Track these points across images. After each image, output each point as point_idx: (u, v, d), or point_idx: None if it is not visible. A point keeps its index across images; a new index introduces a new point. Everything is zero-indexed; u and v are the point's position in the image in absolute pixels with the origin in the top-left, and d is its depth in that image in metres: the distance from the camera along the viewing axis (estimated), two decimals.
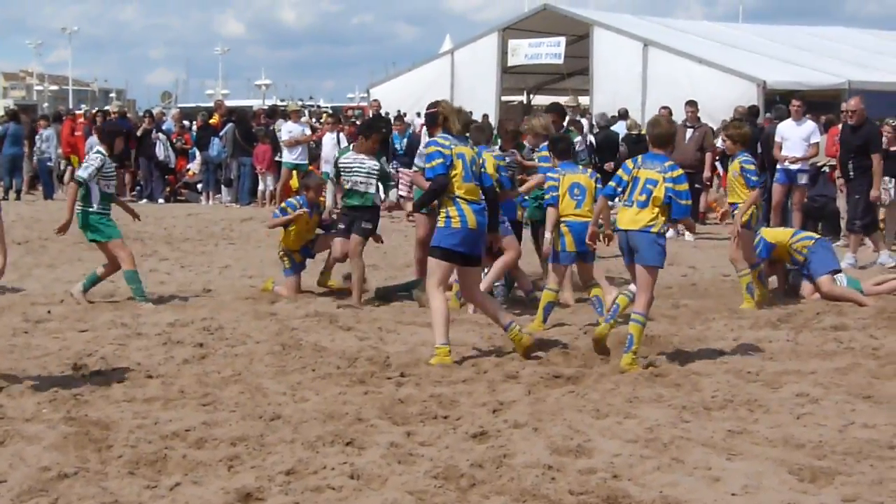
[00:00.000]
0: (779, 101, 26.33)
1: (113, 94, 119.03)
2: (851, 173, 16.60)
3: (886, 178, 16.88)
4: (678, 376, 9.33)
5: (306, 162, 25.90)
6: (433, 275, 9.94)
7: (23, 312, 11.98)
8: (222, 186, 28.38)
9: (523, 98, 43.74)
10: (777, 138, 19.28)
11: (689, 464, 6.90)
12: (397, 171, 21.94)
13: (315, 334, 10.85)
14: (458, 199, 9.86)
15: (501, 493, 6.32)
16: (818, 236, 13.71)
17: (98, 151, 12.99)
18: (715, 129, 22.66)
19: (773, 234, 13.85)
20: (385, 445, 7.17)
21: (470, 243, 9.86)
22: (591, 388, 8.88)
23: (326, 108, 47.19)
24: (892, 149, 16.98)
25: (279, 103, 45.72)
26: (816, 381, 9.13)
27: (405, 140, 24.42)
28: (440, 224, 9.93)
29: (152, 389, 8.70)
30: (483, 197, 10.02)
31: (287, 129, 26.07)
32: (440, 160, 9.87)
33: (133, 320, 11.45)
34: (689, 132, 21.43)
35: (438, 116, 10.28)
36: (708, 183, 21.68)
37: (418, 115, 33.39)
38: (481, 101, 34.78)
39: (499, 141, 13.89)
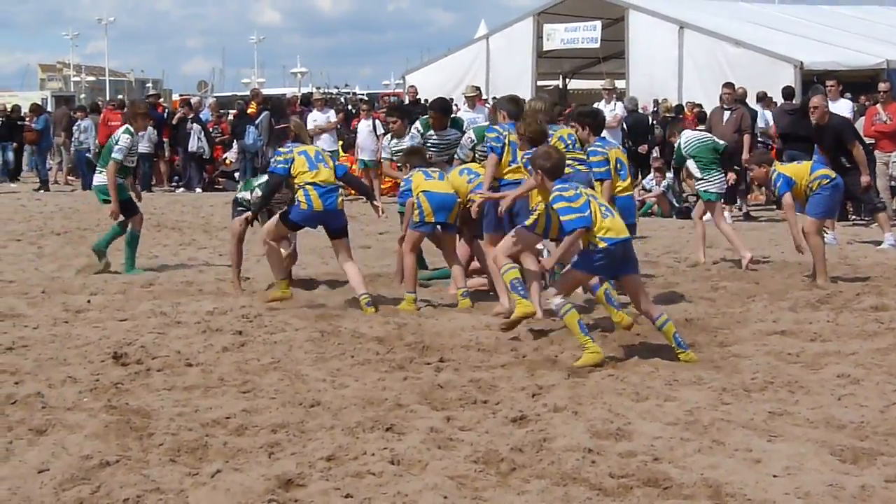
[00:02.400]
0: (816, 82, 26.13)
1: (149, 84, 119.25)
2: (847, 165, 16.34)
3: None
4: (718, 358, 9.29)
5: (336, 149, 25.90)
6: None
7: (63, 302, 12.04)
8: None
9: (559, 82, 43.58)
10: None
11: (729, 446, 6.87)
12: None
13: (353, 321, 10.86)
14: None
15: (542, 476, 6.31)
16: (835, 175, 13.47)
17: (127, 130, 13.33)
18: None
19: (792, 169, 13.64)
20: (425, 430, 7.17)
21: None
22: (630, 371, 8.86)
23: (362, 95, 47.26)
24: None
25: (314, 91, 45.73)
26: (857, 362, 9.07)
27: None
28: None
29: (192, 377, 8.73)
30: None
31: (312, 119, 26.10)
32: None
33: (172, 309, 11.49)
34: (727, 114, 21.31)
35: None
36: (746, 165, 21.50)
37: (451, 101, 33.35)
38: (517, 86, 34.63)
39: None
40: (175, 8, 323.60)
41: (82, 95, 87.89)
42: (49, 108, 43.59)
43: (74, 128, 30.24)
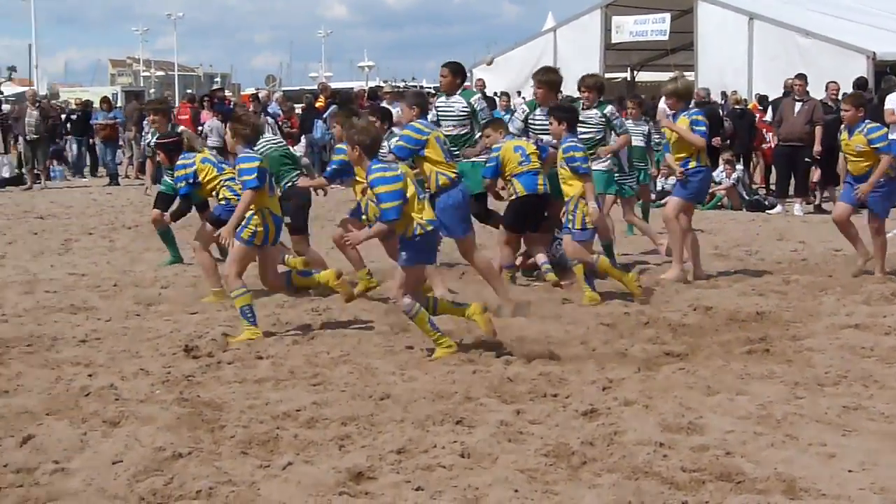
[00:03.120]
0: (889, 73, 25.79)
1: (218, 79, 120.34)
2: None
3: None
4: (790, 352, 9.20)
5: None
6: None
7: (134, 295, 12.16)
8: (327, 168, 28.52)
9: (627, 75, 43.34)
10: (887, 106, 18.91)
11: (803, 440, 6.80)
12: None
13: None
14: None
15: (613, 470, 6.28)
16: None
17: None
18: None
19: None
20: (495, 424, 7.15)
21: None
22: (701, 364, 8.78)
23: (429, 88, 47.28)
24: None
25: (381, 84, 45.80)
26: None
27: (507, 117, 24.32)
28: None
29: (263, 370, 8.78)
30: None
31: (396, 111, 26.14)
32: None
33: None
34: (798, 106, 21.10)
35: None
36: (818, 157, 21.25)
37: (519, 94, 33.29)
38: None
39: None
40: (243, 3, 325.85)
41: (151, 90, 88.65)
42: (119, 104, 43.95)
43: (144, 123, 30.46)
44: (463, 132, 13.02)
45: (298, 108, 32.33)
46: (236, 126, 10.37)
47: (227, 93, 40.60)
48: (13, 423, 7.32)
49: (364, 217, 11.28)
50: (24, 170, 29.54)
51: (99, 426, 7.23)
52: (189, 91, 59.83)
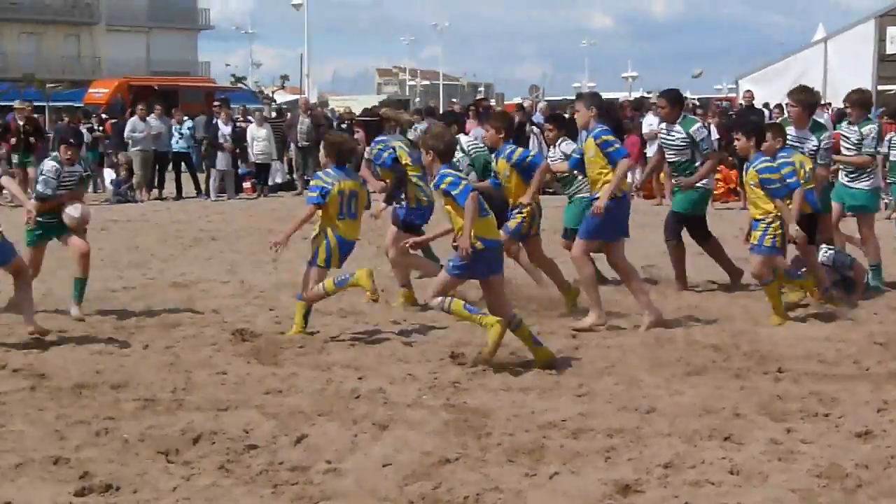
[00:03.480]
0: None
1: (481, 89, 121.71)
2: None
3: None
4: None
5: None
6: None
7: (402, 302, 12.38)
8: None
9: None
10: None
11: None
12: None
13: (687, 328, 10.71)
14: None
15: (891, 495, 6.05)
16: None
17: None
18: None
19: None
20: (764, 441, 7.00)
21: None
22: None
23: (693, 99, 46.70)
24: None
25: (645, 95, 45.46)
26: None
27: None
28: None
29: (528, 379, 8.81)
30: None
31: (647, 123, 25.95)
32: None
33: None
34: None
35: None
36: None
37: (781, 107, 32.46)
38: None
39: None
40: (508, 13, 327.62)
41: (416, 99, 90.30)
42: None
43: (410, 130, 31.06)
44: (683, 160, 12.87)
45: None
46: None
47: (491, 102, 40.97)
48: (287, 422, 7.55)
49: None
50: (294, 176, 30.49)
51: (368, 428, 7.38)
52: (453, 100, 60.69)
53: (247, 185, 29.53)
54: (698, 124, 13.02)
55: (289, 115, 32.63)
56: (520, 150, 11.75)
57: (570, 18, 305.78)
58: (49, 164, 11.51)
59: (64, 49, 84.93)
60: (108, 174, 30.15)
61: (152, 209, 25.32)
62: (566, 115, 15.66)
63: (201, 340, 10.42)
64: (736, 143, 11.31)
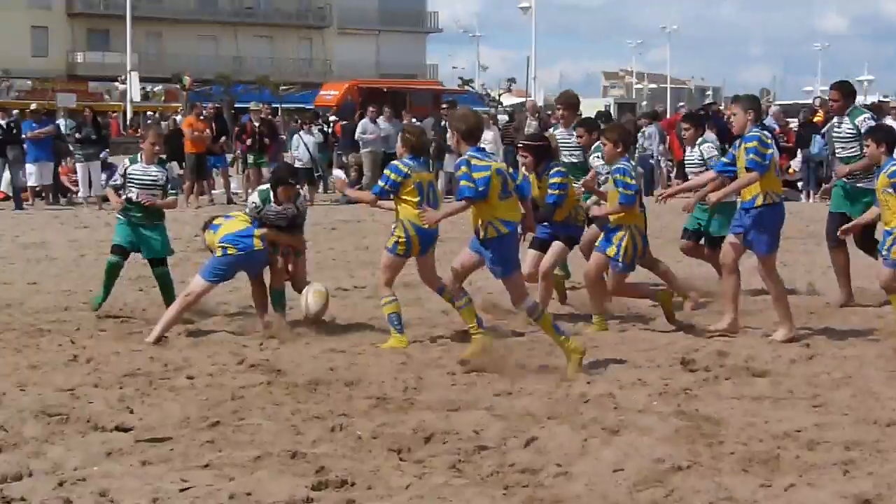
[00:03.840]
0: None
1: (709, 92, 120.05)
2: None
3: None
4: None
5: None
6: None
7: (624, 306, 12.31)
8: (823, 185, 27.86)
9: None
10: None
11: None
12: None
13: None
14: None
15: None
16: None
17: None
18: None
19: None
20: None
21: None
22: None
23: None
24: None
25: (882, 99, 44.10)
26: None
27: None
28: None
29: (761, 387, 8.65)
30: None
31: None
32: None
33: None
34: None
35: None
36: None
37: None
38: None
39: None
40: (737, 16, 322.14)
41: (643, 103, 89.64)
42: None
43: (639, 134, 30.93)
44: (851, 154, 12.33)
45: (793, 123, 31.72)
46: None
47: (720, 106, 40.40)
48: (517, 424, 7.57)
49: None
50: None
51: (598, 433, 7.35)
52: (681, 104, 60.05)
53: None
54: (865, 115, 12.54)
55: (517, 117, 32.81)
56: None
57: (803, 20, 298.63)
58: (259, 202, 11.31)
59: (296, 52, 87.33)
60: (338, 174, 30.82)
61: (381, 209, 25.67)
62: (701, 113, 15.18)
63: (431, 341, 10.55)
64: (866, 148, 10.88)
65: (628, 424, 7.51)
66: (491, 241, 9.39)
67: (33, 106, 28.94)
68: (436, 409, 8.02)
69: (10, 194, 26.08)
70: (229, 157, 29.57)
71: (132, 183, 11.80)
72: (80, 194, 26.45)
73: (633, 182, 10.71)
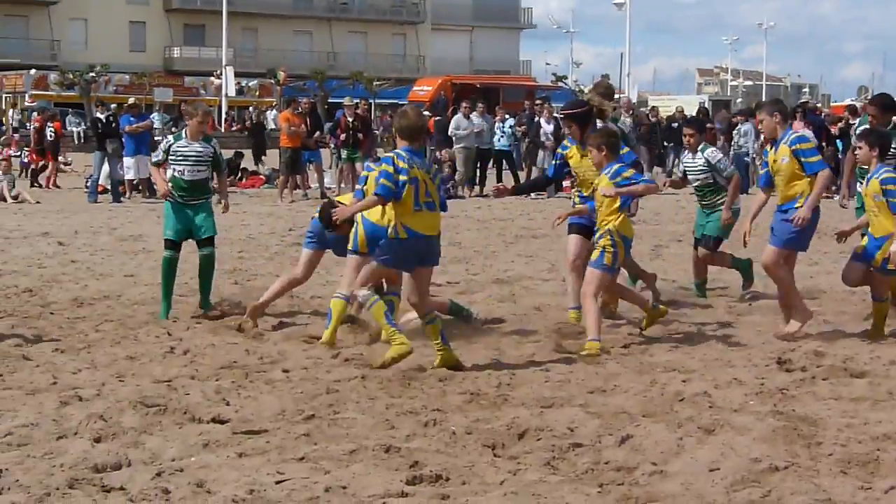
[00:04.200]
0: None
1: (805, 90, 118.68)
2: None
3: None
4: None
5: None
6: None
7: (727, 305, 12.21)
8: None
9: None
10: None
11: None
12: None
13: None
14: None
15: None
16: None
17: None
18: None
19: None
20: None
21: None
22: None
23: None
24: None
25: None
26: None
27: None
28: None
29: (859, 389, 8.52)
30: None
31: None
32: None
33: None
34: None
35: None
36: None
37: None
38: None
39: None
40: (836, 12, 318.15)
41: (738, 100, 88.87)
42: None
43: (734, 132, 30.64)
44: None
45: None
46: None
47: (817, 104, 39.96)
48: (611, 422, 7.54)
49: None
50: None
51: (694, 432, 7.28)
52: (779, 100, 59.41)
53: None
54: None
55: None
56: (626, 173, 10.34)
57: None
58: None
59: (390, 47, 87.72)
60: None
61: (474, 206, 25.78)
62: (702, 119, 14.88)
63: (524, 337, 10.53)
64: (858, 151, 10.60)
65: (724, 424, 7.43)
66: (390, 239, 9.33)
67: (131, 100, 29.34)
68: (529, 405, 8.01)
69: (109, 187, 26.47)
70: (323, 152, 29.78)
71: (177, 160, 11.62)
72: None
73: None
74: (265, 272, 14.19)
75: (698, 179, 12.61)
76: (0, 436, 7.18)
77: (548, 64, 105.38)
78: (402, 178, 9.13)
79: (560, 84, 72.03)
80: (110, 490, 6.22)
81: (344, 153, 27.63)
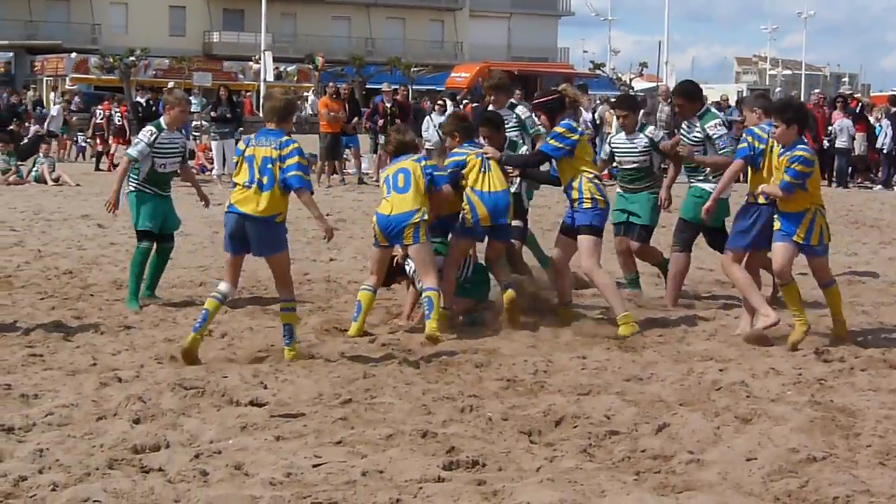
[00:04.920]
0: None
1: (845, 79, 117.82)
2: None
3: None
4: None
5: None
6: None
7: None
8: None
9: None
10: None
11: None
12: None
13: None
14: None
15: None
16: None
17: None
18: None
19: None
20: None
21: None
22: None
23: None
24: None
25: None
26: None
27: None
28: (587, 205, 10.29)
29: None
30: None
31: None
32: None
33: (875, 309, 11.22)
34: None
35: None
36: None
37: None
38: None
39: None
40: (877, 1, 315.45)
41: (777, 89, 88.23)
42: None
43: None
44: None
45: None
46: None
47: (856, 94, 39.71)
48: (648, 410, 7.53)
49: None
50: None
51: (731, 421, 7.27)
52: (815, 91, 59.00)
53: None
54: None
55: (649, 102, 32.54)
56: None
57: None
58: None
59: (428, 34, 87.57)
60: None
61: None
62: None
63: (559, 325, 10.49)
64: (775, 129, 9.65)
65: (761, 413, 7.42)
66: None
67: (171, 84, 29.47)
68: (566, 392, 8.02)
69: None
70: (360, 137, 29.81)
71: (162, 153, 11.45)
72: (214, 172, 26.84)
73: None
74: (302, 257, 14.20)
75: (635, 162, 11.88)
76: (41, 416, 7.25)
77: (585, 52, 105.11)
78: None
79: (598, 72, 71.77)
80: (149, 471, 6.28)
81: (381, 139, 27.62)
